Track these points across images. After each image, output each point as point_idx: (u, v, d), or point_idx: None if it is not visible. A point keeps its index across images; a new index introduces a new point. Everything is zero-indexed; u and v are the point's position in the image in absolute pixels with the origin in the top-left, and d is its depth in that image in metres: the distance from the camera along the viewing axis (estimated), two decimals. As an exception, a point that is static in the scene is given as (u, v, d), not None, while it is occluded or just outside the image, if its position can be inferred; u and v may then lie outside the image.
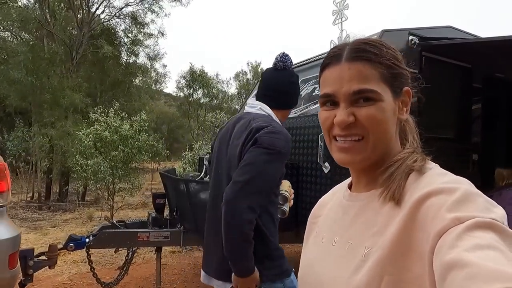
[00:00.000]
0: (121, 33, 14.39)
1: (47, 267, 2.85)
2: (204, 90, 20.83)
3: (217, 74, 24.14)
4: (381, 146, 0.62)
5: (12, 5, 9.44)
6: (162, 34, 14.64)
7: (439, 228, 0.46)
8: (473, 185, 0.52)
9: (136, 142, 6.55)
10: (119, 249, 3.46)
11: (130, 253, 3.41)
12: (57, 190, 10.44)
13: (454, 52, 3.92)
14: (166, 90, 25.72)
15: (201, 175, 3.77)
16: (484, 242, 0.40)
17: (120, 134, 6.26)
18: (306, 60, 4.25)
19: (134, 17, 14.35)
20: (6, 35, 11.99)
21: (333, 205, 0.76)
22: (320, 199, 0.85)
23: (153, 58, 15.19)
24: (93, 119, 6.54)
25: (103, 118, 6.44)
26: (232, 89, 29.30)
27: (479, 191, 0.50)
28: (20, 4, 10.47)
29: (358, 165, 0.63)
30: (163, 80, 15.54)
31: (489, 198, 0.49)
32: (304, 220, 0.87)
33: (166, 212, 3.63)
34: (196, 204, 3.10)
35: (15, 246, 1.94)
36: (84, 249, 3.04)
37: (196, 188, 3.21)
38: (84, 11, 12.81)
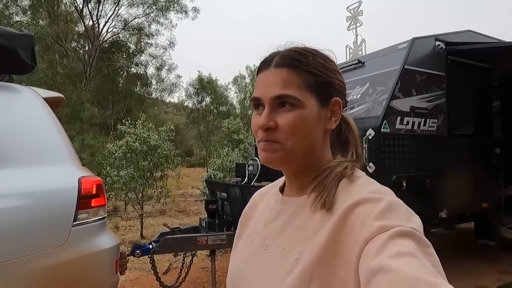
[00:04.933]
0: (129, 45, 14.66)
1: (119, 272, 3.07)
2: (212, 97, 21.09)
3: (216, 79, 24.57)
4: (302, 152, 0.62)
5: (34, 22, 9.68)
6: (172, 45, 14.86)
7: (366, 235, 0.48)
8: (394, 194, 0.56)
9: (164, 152, 6.79)
10: (178, 254, 3.67)
11: (190, 256, 3.62)
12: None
13: (475, 54, 4.17)
14: (170, 99, 25.89)
15: (245, 180, 3.99)
16: (406, 250, 0.44)
17: (148, 144, 6.50)
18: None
19: (140, 29, 14.60)
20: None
21: (265, 207, 0.75)
22: (251, 199, 0.83)
23: (161, 68, 15.49)
24: (123, 131, 6.77)
25: (132, 130, 6.67)
26: (231, 93, 29.44)
27: (401, 201, 0.54)
28: (41, 22, 10.71)
29: (275, 165, 0.63)
30: (176, 90, 15.74)
31: (408, 208, 0.53)
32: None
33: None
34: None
35: (117, 253, 2.16)
36: (148, 255, 3.25)
37: (247, 192, 3.43)
38: (95, 25, 13.09)
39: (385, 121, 3.34)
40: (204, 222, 3.67)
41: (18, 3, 11.30)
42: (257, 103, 0.64)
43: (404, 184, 3.40)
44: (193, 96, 21.29)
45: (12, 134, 1.88)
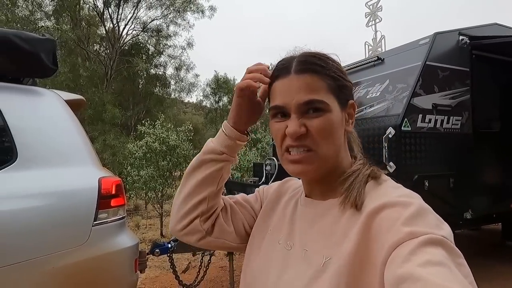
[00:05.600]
0: (148, 47, 14.93)
1: (139, 271, 3.13)
2: (230, 96, 21.20)
3: (233, 79, 24.57)
4: (331, 156, 0.62)
5: (57, 27, 10.01)
6: (190, 45, 15.03)
7: (394, 240, 0.47)
8: (422, 200, 0.55)
9: (183, 151, 6.87)
10: (196, 253, 3.70)
11: (209, 255, 3.64)
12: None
13: (501, 48, 4.00)
14: (192, 100, 26.22)
15: (263, 180, 3.98)
16: (435, 258, 0.42)
17: (167, 144, 6.59)
18: (354, 64, 4.41)
19: (158, 30, 14.84)
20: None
21: (288, 204, 0.74)
22: (272, 189, 0.82)
23: (179, 68, 15.69)
24: (142, 132, 6.91)
25: (151, 130, 6.79)
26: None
27: (430, 207, 0.53)
28: (64, 27, 11.06)
29: (310, 175, 0.63)
30: (194, 90, 15.93)
31: (437, 215, 0.52)
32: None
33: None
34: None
35: (137, 252, 2.19)
36: (167, 254, 3.29)
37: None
38: (115, 28, 13.40)
39: (405, 119, 3.25)
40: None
41: (42, 8, 11.71)
42: (279, 111, 0.63)
43: (426, 184, 3.30)
44: (210, 96, 21.46)
45: (36, 136, 1.93)
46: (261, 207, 0.80)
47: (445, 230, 0.48)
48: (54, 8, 11.88)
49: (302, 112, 0.60)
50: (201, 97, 22.40)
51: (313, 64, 0.61)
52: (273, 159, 4.02)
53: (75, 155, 2.04)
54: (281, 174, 3.93)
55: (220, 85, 20.87)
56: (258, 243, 0.73)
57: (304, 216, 0.67)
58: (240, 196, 0.84)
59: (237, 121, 0.72)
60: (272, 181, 3.90)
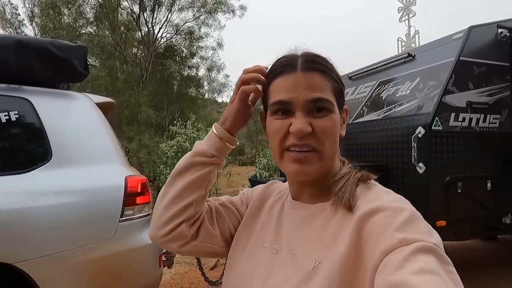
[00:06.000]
0: (181, 49, 15.35)
1: (166, 267, 3.24)
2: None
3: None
4: (331, 158, 0.62)
5: (100, 33, 10.58)
6: (220, 46, 15.28)
7: (387, 246, 0.47)
8: (413, 206, 0.54)
9: (212, 151, 6.99)
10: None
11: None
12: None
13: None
14: (225, 99, 26.60)
15: (288, 180, 3.97)
16: (428, 267, 0.42)
17: (197, 144, 6.76)
18: (383, 61, 4.29)
19: (190, 33, 15.18)
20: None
21: (273, 207, 0.73)
22: (265, 187, 0.80)
23: (211, 69, 15.98)
24: (174, 132, 7.13)
25: (182, 130, 6.99)
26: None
27: (420, 214, 0.53)
28: (103, 32, 11.68)
29: (311, 176, 0.60)
30: (226, 90, 16.19)
31: (426, 222, 0.52)
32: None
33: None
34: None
35: (161, 249, 2.29)
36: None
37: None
38: (150, 32, 13.92)
39: (436, 118, 3.11)
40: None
41: (84, 16, 12.43)
42: (282, 107, 0.60)
43: (460, 186, 3.14)
44: (241, 95, 21.52)
45: (69, 137, 2.07)
46: (246, 210, 0.79)
47: (436, 238, 0.48)
48: (95, 15, 12.56)
49: (308, 111, 0.59)
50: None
51: (320, 64, 0.61)
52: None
53: (104, 155, 2.16)
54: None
55: (251, 84, 20.90)
56: (242, 246, 0.71)
57: (292, 219, 0.65)
58: (225, 198, 0.82)
59: (232, 124, 0.72)
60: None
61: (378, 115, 3.86)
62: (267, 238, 0.67)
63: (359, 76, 4.73)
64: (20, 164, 1.88)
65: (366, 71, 4.62)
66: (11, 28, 16.26)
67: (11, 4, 16.22)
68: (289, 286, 0.56)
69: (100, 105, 2.39)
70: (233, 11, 14.34)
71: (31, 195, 1.80)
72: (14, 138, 1.99)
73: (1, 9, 16.63)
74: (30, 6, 15.03)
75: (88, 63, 2.40)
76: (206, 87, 17.04)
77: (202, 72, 16.29)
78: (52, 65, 2.12)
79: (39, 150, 1.96)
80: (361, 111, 4.18)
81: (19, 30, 15.98)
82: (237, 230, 0.76)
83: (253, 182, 4.12)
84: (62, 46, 2.13)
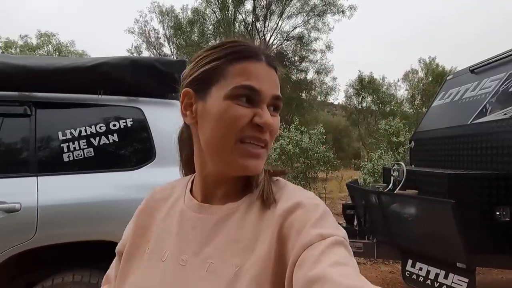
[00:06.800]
0: (290, 54, 15.73)
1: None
2: (374, 96, 20.06)
3: (383, 78, 22.79)
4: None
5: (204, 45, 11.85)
6: (329, 48, 15.08)
7: (304, 242, 0.48)
8: None
9: (315, 154, 6.97)
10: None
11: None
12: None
13: None
14: (332, 101, 26.12)
15: (390, 186, 3.66)
16: (341, 259, 0.45)
17: (300, 147, 6.82)
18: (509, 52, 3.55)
19: (300, 38, 15.39)
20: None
21: (169, 214, 0.63)
22: (143, 203, 0.70)
23: (321, 72, 15.91)
24: (277, 135, 7.37)
25: (285, 133, 7.17)
26: (401, 91, 26.92)
27: (329, 209, 0.55)
28: (213, 43, 13.00)
29: (258, 172, 0.57)
30: (333, 92, 15.93)
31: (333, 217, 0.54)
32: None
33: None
34: (389, 216, 3.04)
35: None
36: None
37: (388, 200, 3.15)
38: (261, 40, 14.72)
39: None
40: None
41: (204, 32, 13.98)
42: (248, 94, 0.54)
43: None
44: (353, 97, 20.77)
45: (169, 139, 2.39)
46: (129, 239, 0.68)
47: (343, 231, 0.51)
48: (213, 30, 13.99)
49: (268, 106, 0.56)
50: (343, 99, 21.97)
51: (277, 63, 0.59)
52: (401, 164, 3.64)
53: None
54: (411, 181, 3.52)
55: (364, 85, 19.93)
56: (130, 268, 0.63)
57: (200, 224, 0.58)
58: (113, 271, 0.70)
59: None
60: (399, 189, 3.54)
61: (506, 114, 3.22)
62: (166, 250, 0.59)
63: (483, 69, 4.02)
64: (131, 162, 2.26)
65: (493, 62, 3.89)
66: (154, 49, 19.50)
67: (154, 29, 19.43)
68: None
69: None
70: (342, 12, 13.96)
71: (139, 189, 2.15)
72: (128, 141, 2.40)
73: (147, 34, 20.08)
74: (168, 28, 17.70)
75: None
76: (317, 90, 17.02)
77: (311, 75, 16.35)
78: (158, 78, 2.49)
79: (146, 150, 2.33)
80: (483, 110, 3.55)
81: (160, 50, 19.03)
82: (122, 258, 0.66)
83: (351, 188, 3.93)
84: (166, 62, 2.48)
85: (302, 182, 7.11)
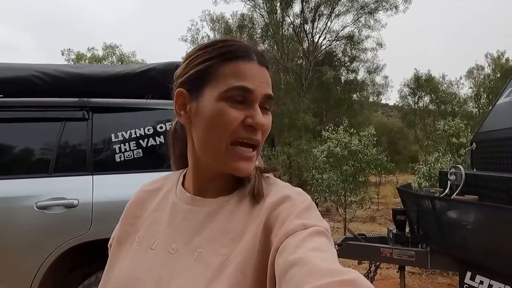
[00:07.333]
0: (340, 54, 15.35)
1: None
2: (432, 96, 18.74)
3: (443, 76, 21.15)
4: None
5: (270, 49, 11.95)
6: (381, 46, 14.46)
7: (287, 230, 0.50)
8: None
9: (365, 157, 6.70)
10: (362, 261, 3.59)
11: (373, 267, 3.47)
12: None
13: None
14: (384, 101, 24.96)
15: (446, 191, 3.40)
16: (321, 246, 0.47)
17: (349, 149, 6.60)
18: None
19: (350, 37, 14.96)
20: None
21: (160, 205, 0.65)
22: (134, 196, 0.70)
23: (373, 71, 15.29)
24: (325, 137, 7.23)
25: (334, 135, 7.00)
26: (464, 89, 24.83)
27: (314, 204, 0.57)
28: (262, 47, 13.16)
29: (250, 173, 0.59)
30: (385, 92, 15.24)
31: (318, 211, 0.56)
32: None
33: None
34: (445, 223, 2.82)
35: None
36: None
37: (443, 206, 2.92)
38: (309, 41, 14.58)
39: None
40: (391, 234, 3.39)
41: (252, 37, 14.21)
42: (242, 95, 0.55)
43: None
44: (408, 96, 19.59)
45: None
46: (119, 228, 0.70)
47: (326, 224, 0.54)
48: (261, 34, 14.16)
49: (260, 105, 0.57)
50: (397, 99, 20.81)
51: (268, 62, 0.60)
52: (459, 167, 3.34)
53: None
54: (471, 186, 3.22)
55: (420, 84, 18.70)
56: (118, 257, 0.64)
57: (192, 215, 0.60)
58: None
59: None
60: (456, 194, 3.25)
61: None
62: (156, 239, 0.60)
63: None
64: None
65: None
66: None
67: (208, 36, 20.17)
68: (197, 285, 0.52)
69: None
70: (396, 7, 13.27)
71: None
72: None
73: (199, 41, 20.92)
74: (219, 35, 18.29)
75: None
76: (369, 89, 16.40)
77: (362, 75, 15.79)
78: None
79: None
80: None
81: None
82: (112, 245, 0.68)
83: (403, 193, 3.70)
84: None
85: (351, 186, 6.86)
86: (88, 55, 24.86)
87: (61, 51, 24.31)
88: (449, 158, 6.62)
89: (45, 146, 2.21)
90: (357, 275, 0.41)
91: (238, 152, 0.56)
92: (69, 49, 25.00)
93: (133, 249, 0.63)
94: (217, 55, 0.56)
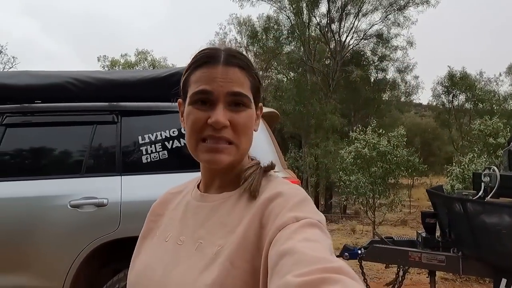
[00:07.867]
0: (368, 53, 14.99)
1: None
2: (468, 94, 17.82)
3: (480, 73, 20.00)
4: (245, 152, 0.66)
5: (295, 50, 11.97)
6: (411, 44, 13.97)
7: (279, 223, 0.52)
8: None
9: (394, 158, 6.50)
10: (390, 265, 3.49)
11: (401, 271, 3.36)
12: (323, 203, 11.93)
13: None
14: (416, 101, 24.05)
15: (480, 193, 3.24)
16: (312, 237, 0.49)
17: (378, 150, 6.43)
18: None
19: (379, 35, 14.58)
20: (280, 77, 15.39)
21: (178, 205, 0.73)
22: (161, 197, 0.80)
23: (403, 70, 14.77)
24: (353, 138, 7.09)
25: (361, 136, 6.84)
26: (504, 87, 23.40)
27: (311, 199, 0.61)
28: (288, 49, 13.13)
29: (223, 165, 0.62)
30: (415, 91, 14.69)
31: (315, 205, 0.60)
32: None
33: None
34: (478, 227, 2.69)
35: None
36: (357, 259, 3.28)
37: (476, 209, 2.79)
38: (336, 41, 14.36)
39: None
40: (420, 237, 3.28)
41: (278, 38, 14.22)
42: (203, 97, 0.61)
43: None
44: (442, 95, 18.72)
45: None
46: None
47: (320, 216, 0.56)
48: (287, 36, 14.13)
49: (227, 104, 0.61)
50: (430, 98, 19.93)
51: (241, 60, 0.63)
52: (494, 169, 3.18)
53: (264, 158, 2.47)
54: (506, 188, 3.05)
55: (455, 82, 17.83)
56: (141, 249, 0.73)
57: (200, 210, 0.67)
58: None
59: None
60: (491, 197, 3.09)
61: None
62: (170, 233, 0.68)
63: None
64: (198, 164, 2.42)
65: None
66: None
67: (236, 40, 20.43)
68: (193, 272, 0.57)
69: (264, 115, 2.75)
70: (427, 2, 12.75)
71: None
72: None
73: (227, 45, 21.05)
74: (244, 37, 18.49)
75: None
76: (401, 89, 15.89)
77: (392, 74, 15.31)
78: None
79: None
80: None
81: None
82: (138, 240, 0.76)
83: (433, 195, 3.56)
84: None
85: (380, 188, 6.67)
86: (122, 61, 25.88)
87: (97, 57, 25.56)
88: (484, 159, 6.26)
89: (78, 148, 2.34)
90: (344, 264, 0.42)
91: (206, 145, 0.62)
92: (105, 55, 26.21)
93: (153, 242, 0.71)
94: (191, 65, 0.65)
